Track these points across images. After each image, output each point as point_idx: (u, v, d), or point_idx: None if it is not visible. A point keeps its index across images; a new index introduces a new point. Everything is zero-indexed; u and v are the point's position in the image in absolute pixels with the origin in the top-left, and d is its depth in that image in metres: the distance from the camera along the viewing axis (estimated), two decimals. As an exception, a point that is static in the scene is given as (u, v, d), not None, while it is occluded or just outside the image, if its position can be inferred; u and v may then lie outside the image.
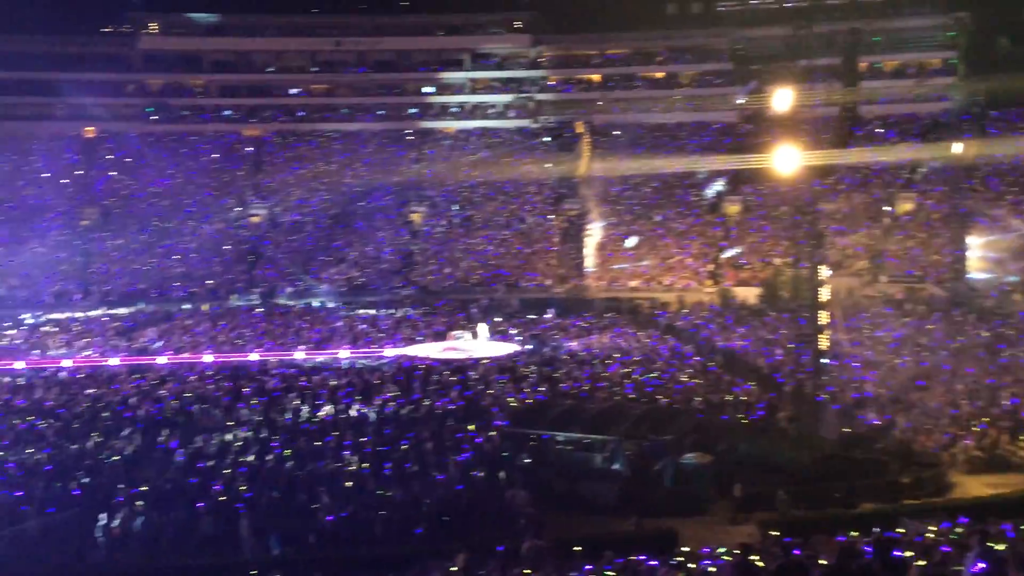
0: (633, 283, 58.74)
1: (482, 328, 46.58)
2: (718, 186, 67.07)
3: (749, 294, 54.37)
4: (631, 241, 62.12)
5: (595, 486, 24.79)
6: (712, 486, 24.32)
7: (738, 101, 74.87)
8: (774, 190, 63.93)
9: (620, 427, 26.35)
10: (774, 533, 19.00)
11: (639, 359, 38.74)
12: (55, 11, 77.58)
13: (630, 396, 32.45)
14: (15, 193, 69.94)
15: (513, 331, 47.69)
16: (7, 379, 38.11)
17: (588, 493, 24.66)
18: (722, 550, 16.17)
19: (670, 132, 74.59)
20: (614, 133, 75.29)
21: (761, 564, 13.11)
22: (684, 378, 35.08)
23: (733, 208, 65.27)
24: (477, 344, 44.41)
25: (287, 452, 26.27)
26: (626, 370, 36.35)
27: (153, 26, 80.00)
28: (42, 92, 75.68)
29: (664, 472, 24.70)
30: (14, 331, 50.74)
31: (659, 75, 79.28)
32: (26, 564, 20.68)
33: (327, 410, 31.34)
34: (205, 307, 56.69)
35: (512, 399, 32.26)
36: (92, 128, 76.96)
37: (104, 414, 31.42)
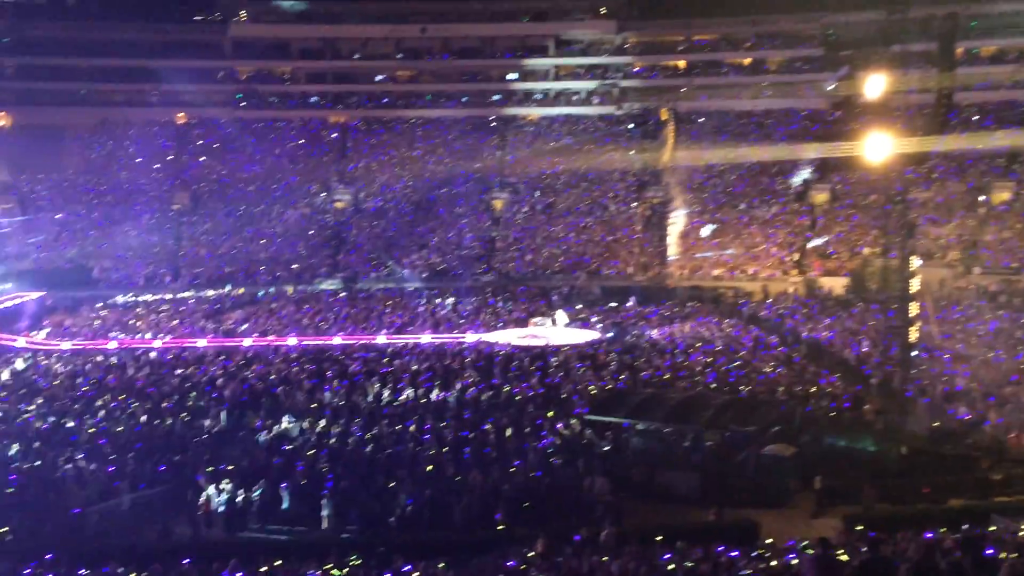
0: (716, 272, 58.04)
1: (560, 315, 46.50)
2: (805, 174, 65.85)
3: (836, 284, 53.36)
4: (707, 230, 61.37)
5: (675, 476, 24.60)
6: (795, 478, 23.93)
7: (828, 88, 73.25)
8: (864, 178, 62.50)
9: (701, 417, 26.02)
10: (858, 528, 18.64)
11: (721, 349, 38.29)
12: (153, 1, 79.44)
13: (712, 386, 32.08)
14: (110, 178, 71.96)
15: (594, 319, 47.52)
16: (100, 358, 39.24)
17: (668, 483, 24.50)
18: (804, 543, 15.90)
19: (757, 119, 73.40)
20: (699, 120, 74.35)
21: (845, 559, 12.86)
22: (768, 369, 34.60)
23: (821, 196, 64.00)
24: (556, 331, 44.34)
25: (368, 435, 26.56)
26: (708, 359, 35.95)
27: (243, 14, 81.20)
28: (136, 79, 77.60)
29: (746, 463, 24.36)
30: (107, 312, 52.19)
31: (746, 61, 77.98)
32: (117, 538, 21.27)
33: (408, 394, 31.58)
34: (290, 290, 57.60)
35: (592, 387, 32.14)
36: (184, 114, 78.72)
37: (192, 394, 32.14)
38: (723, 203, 64.93)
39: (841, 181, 64.47)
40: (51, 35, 76.23)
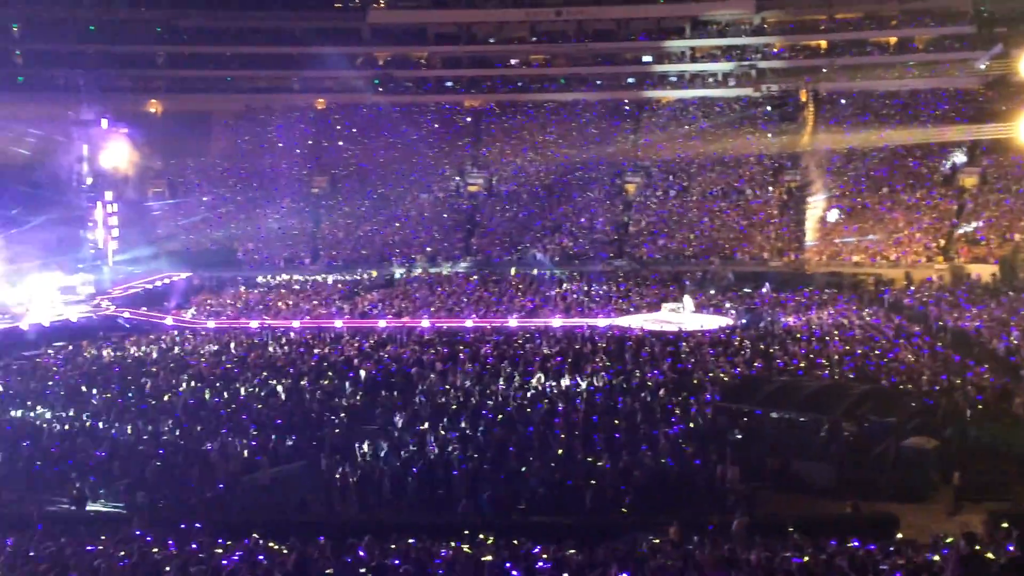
0: (856, 258, 56.32)
1: (687, 300, 45.98)
2: (956, 157, 63.29)
3: (984, 271, 51.13)
4: (833, 215, 59.57)
5: (810, 466, 24.00)
6: (937, 472, 23.08)
7: (980, 66, 70.01)
8: (1017, 161, 59.67)
9: (838, 406, 25.31)
10: (1004, 525, 17.87)
11: (860, 337, 37.18)
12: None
13: (850, 375, 31.18)
14: (254, 162, 74.37)
15: (727, 304, 46.79)
16: (243, 337, 40.70)
17: (803, 473, 23.93)
18: (947, 539, 15.34)
19: (902, 100, 70.79)
20: (841, 102, 72.17)
21: (991, 557, 12.34)
22: (910, 358, 33.42)
23: (970, 180, 61.39)
24: (686, 316, 43.83)
25: (498, 417, 26.78)
26: (846, 348, 34.95)
27: (381, 1, 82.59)
28: (279, 66, 79.95)
29: (885, 455, 23.61)
30: (249, 292, 54.03)
31: (892, 40, 75.22)
32: (258, 511, 21.99)
33: (538, 378, 31.69)
34: (422, 270, 58.47)
35: (724, 373, 31.66)
36: (323, 100, 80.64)
37: (329, 373, 32.99)
38: (865, 187, 62.96)
39: (992, 164, 61.69)
40: (199, 24, 79.24)
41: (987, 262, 52.38)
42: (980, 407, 27.42)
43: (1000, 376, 31.00)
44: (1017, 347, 33.80)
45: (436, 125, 78.11)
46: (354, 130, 77.92)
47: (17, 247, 50.84)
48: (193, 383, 32.23)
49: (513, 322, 43.37)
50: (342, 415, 28.05)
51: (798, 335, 37.81)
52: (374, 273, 58.34)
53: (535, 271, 57.64)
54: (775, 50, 77.50)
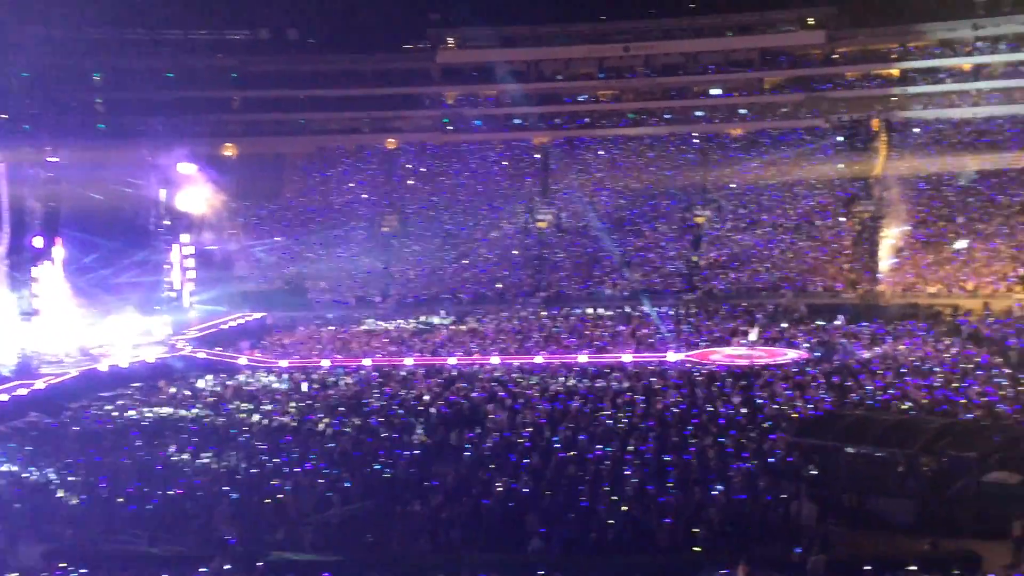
0: (932, 289, 55.20)
1: (753, 332, 45.50)
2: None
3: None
4: (961, 243, 58.19)
5: (888, 502, 23.51)
6: (1021, 507, 22.40)
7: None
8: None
9: (916, 441, 24.77)
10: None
11: (939, 369, 36.36)
12: (362, 32, 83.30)
13: (927, 408, 30.49)
14: (325, 202, 75.57)
15: (800, 337, 46.16)
16: (315, 375, 41.25)
17: (880, 509, 23.44)
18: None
19: (978, 127, 69.53)
20: (914, 130, 71.12)
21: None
22: (990, 391, 32.58)
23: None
24: (753, 349, 43.34)
25: (570, 454, 26.68)
26: (923, 380, 34.21)
27: (451, 40, 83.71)
28: (350, 108, 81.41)
29: (966, 491, 23.02)
30: (322, 331, 54.68)
31: (966, 66, 74.01)
32: (330, 550, 22.12)
33: (610, 413, 31.54)
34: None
35: (798, 408, 31.20)
36: (393, 140, 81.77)
37: (400, 410, 33.21)
38: (940, 216, 61.83)
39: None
40: (272, 69, 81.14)
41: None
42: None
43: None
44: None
45: (505, 162, 78.60)
46: (423, 169, 78.78)
47: (97, 291, 52.23)
48: (265, 421, 32.66)
49: (583, 358, 43.28)
50: (414, 452, 28.18)
51: (873, 368, 37.13)
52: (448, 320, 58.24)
53: (605, 307, 57.29)
54: (846, 79, 76.78)
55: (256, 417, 33.30)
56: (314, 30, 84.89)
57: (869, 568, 17.55)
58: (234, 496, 24.35)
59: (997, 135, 68.35)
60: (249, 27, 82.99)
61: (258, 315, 58.04)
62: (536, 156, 78.99)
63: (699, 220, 68.16)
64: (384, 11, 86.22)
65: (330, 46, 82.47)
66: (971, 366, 37.02)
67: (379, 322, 56.72)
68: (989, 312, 49.88)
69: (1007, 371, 36.06)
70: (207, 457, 28.10)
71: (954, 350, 40.99)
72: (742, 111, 79.09)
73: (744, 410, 31.12)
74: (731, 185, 70.51)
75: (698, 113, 79.71)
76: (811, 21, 78.47)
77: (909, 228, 60.22)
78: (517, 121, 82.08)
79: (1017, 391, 32.54)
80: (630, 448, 27.05)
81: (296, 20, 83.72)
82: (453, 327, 53.86)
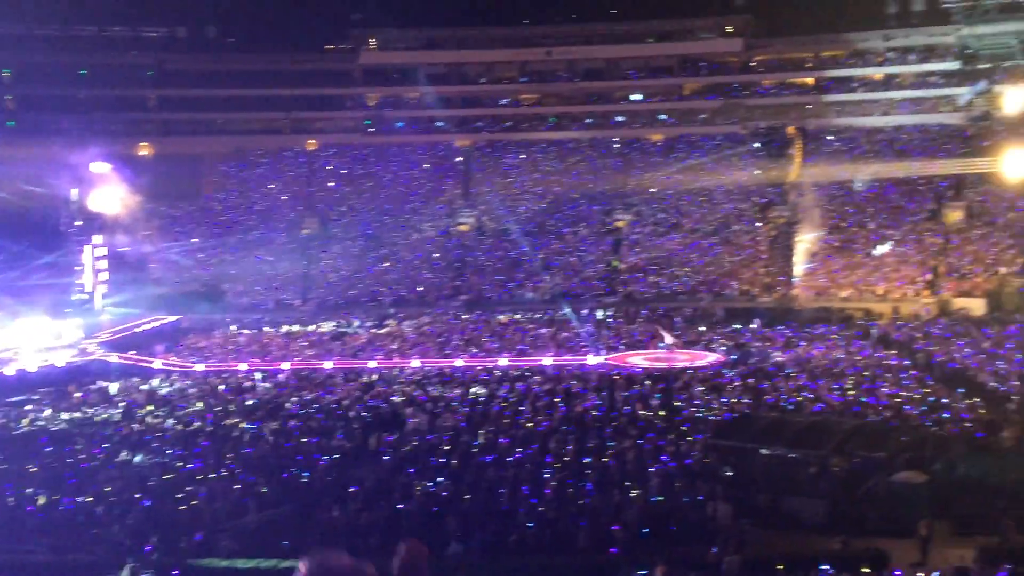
0: (844, 293, 56.53)
1: (667, 336, 46.13)
2: (940, 191, 63.79)
3: (971, 305, 51.38)
4: (883, 248, 59.55)
5: (801, 502, 23.99)
6: (927, 507, 23.05)
7: (964, 102, 70.72)
8: (1002, 196, 60.09)
9: (828, 442, 25.33)
10: (994, 560, 17.89)
11: (849, 372, 37.25)
12: (284, 31, 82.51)
13: (839, 410, 31.21)
14: (243, 204, 74.55)
15: (717, 341, 46.87)
16: (232, 380, 40.65)
17: (793, 509, 23.90)
18: (936, 574, 15.35)
19: (889, 136, 71.47)
20: (828, 138, 72.81)
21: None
22: (899, 392, 33.47)
23: (955, 215, 61.75)
24: (670, 352, 43.89)
25: (488, 457, 26.72)
26: (835, 383, 35.01)
27: (373, 42, 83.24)
28: (269, 108, 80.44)
29: (875, 490, 23.61)
30: (239, 334, 53.94)
31: (878, 76, 76.01)
32: (246, 556, 21.79)
33: (529, 416, 31.66)
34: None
35: (715, 410, 31.68)
36: (314, 141, 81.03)
37: (318, 415, 32.92)
38: (852, 222, 63.35)
39: (978, 199, 62.13)
40: (190, 67, 79.77)
41: (974, 296, 52.63)
42: (969, 441, 27.47)
43: (988, 409, 31.08)
44: (1005, 380, 33.88)
45: (427, 165, 78.41)
46: (344, 171, 78.24)
47: (3, 294, 50.74)
48: (180, 426, 32.09)
49: (504, 361, 43.38)
50: (333, 457, 27.93)
51: (787, 371, 37.88)
52: (365, 313, 58.18)
53: (524, 310, 57.60)
54: (763, 87, 78.28)
55: (170, 422, 32.71)
56: (234, 28, 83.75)
57: (782, 567, 17.88)
58: (147, 503, 23.88)
59: (907, 143, 70.29)
60: (166, 24, 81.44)
61: (173, 318, 56.99)
62: (458, 159, 78.97)
63: (619, 224, 68.74)
64: (306, 11, 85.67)
65: (250, 45, 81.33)
66: (880, 368, 38.01)
67: (298, 325, 56.14)
68: (898, 316, 51.30)
69: (915, 373, 37.09)
70: (119, 463, 27.51)
71: (865, 353, 42.02)
72: (662, 117, 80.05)
73: (662, 413, 31.48)
74: (651, 190, 71.25)
75: (619, 118, 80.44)
76: (729, 29, 79.88)
77: (822, 233, 61.51)
78: (439, 124, 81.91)
79: (924, 393, 33.46)
80: (550, 450, 27.18)
81: (215, 18, 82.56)
82: (374, 330, 53.54)
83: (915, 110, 73.28)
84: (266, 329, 55.31)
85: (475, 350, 46.69)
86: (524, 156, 77.71)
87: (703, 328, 50.63)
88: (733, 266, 61.46)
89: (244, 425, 31.76)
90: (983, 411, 30.82)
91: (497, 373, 40.29)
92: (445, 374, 40.41)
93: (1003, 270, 53.42)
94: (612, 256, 65.21)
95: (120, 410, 35.37)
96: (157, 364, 45.43)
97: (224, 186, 77.46)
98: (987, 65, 69.38)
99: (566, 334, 49.94)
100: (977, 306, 51.15)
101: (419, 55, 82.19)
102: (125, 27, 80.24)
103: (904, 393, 33.32)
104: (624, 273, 62.86)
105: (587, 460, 26.34)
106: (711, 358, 42.85)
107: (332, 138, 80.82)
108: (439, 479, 24.91)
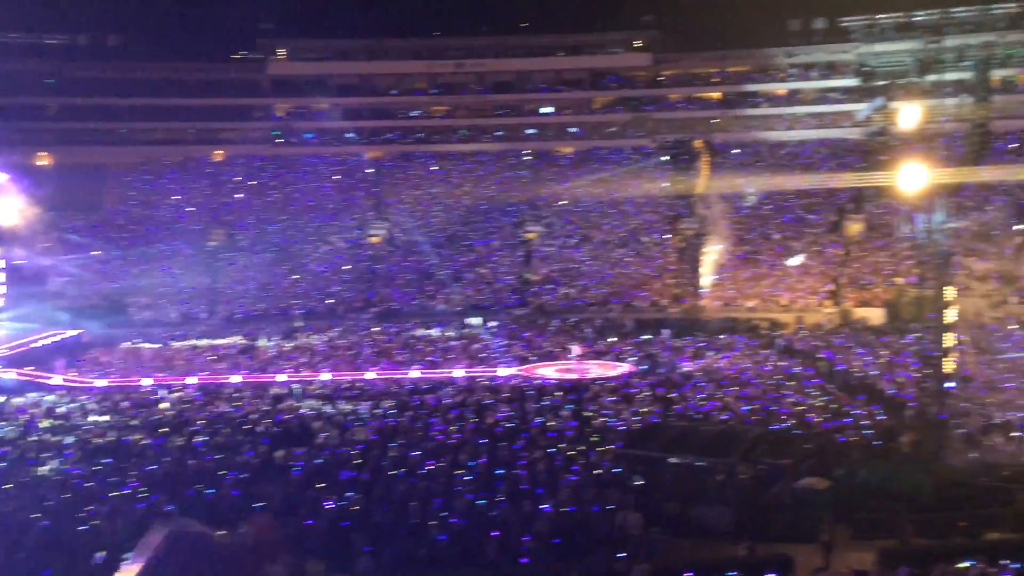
0: (750, 303, 57.68)
1: (574, 347, 46.52)
2: (840, 204, 65.58)
3: (871, 315, 52.94)
4: (796, 259, 60.71)
5: (708, 510, 24.30)
6: (829, 512, 23.60)
7: (862, 117, 72.94)
8: (899, 208, 61.93)
9: (735, 450, 25.76)
10: (894, 562, 18.39)
11: (756, 381, 37.99)
12: (190, 40, 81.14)
13: (746, 419, 31.80)
14: (148, 215, 72.97)
15: (627, 351, 47.39)
16: (136, 395, 39.69)
17: (701, 517, 24.22)
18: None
19: (792, 150, 73.32)
20: (733, 151, 74.36)
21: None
22: (802, 400, 34.25)
23: (856, 227, 63.51)
24: (581, 364, 44.27)
25: (400, 470, 26.55)
26: (742, 392, 35.68)
27: (282, 52, 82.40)
28: (175, 118, 78.96)
29: (780, 497, 24.09)
30: (142, 348, 52.73)
31: (781, 92, 77.96)
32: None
33: (440, 429, 31.56)
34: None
35: (625, 420, 31.98)
36: (221, 152, 79.81)
37: (224, 430, 32.31)
38: (757, 234, 64.72)
39: (876, 211, 64.01)
40: (92, 76, 77.90)
41: (874, 305, 54.19)
42: (869, 447, 28.25)
43: (888, 416, 32.00)
44: (903, 387, 34.91)
45: (337, 176, 77.83)
46: (253, 182, 77.17)
47: None
48: (80, 444, 31.17)
49: (415, 374, 43.24)
50: (240, 473, 27.42)
51: (696, 381, 38.48)
52: (273, 326, 57.45)
53: (437, 322, 57.44)
54: (671, 101, 79.63)
55: (70, 439, 31.75)
56: (139, 36, 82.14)
57: (690, 574, 18.09)
58: (45, 523, 23.12)
59: (809, 157, 72.19)
60: (68, 31, 79.36)
61: (74, 333, 55.42)
62: (369, 170, 78.54)
63: (530, 236, 69.09)
64: (213, 20, 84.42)
65: (155, 53, 79.79)
66: (785, 377, 38.85)
67: (205, 339, 55.12)
68: (802, 326, 52.54)
69: (817, 381, 38.00)
70: (15, 482, 26.61)
71: (770, 362, 42.91)
72: (572, 129, 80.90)
73: (573, 423, 31.66)
74: (562, 202, 71.85)
75: (530, 131, 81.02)
76: (638, 44, 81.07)
77: (729, 245, 62.65)
78: (350, 135, 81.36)
79: (826, 401, 34.31)
80: (461, 462, 27.12)
81: (119, 26, 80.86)
82: (283, 343, 52.86)
83: (817, 125, 75.50)
84: (172, 343, 54.06)
85: (386, 363, 46.40)
86: (435, 168, 77.76)
87: (613, 339, 51.14)
88: (643, 277, 62.22)
89: (147, 441, 30.96)
90: (882, 418, 31.71)
91: (408, 386, 40.13)
92: (356, 387, 40.07)
93: (900, 281, 55.08)
94: (523, 268, 65.46)
95: (17, 427, 34.24)
96: (57, 380, 44.13)
97: (128, 197, 75.70)
98: (884, 82, 71.60)
99: (477, 346, 49.99)
100: (876, 316, 52.72)
101: (329, 66, 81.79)
102: (24, 34, 77.93)
103: (808, 401, 34.11)
104: (535, 284, 63.16)
105: (498, 472, 26.34)
106: (621, 368, 43.29)
107: (240, 149, 79.75)
108: (349, 493, 24.65)
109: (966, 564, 17.57)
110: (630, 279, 62.23)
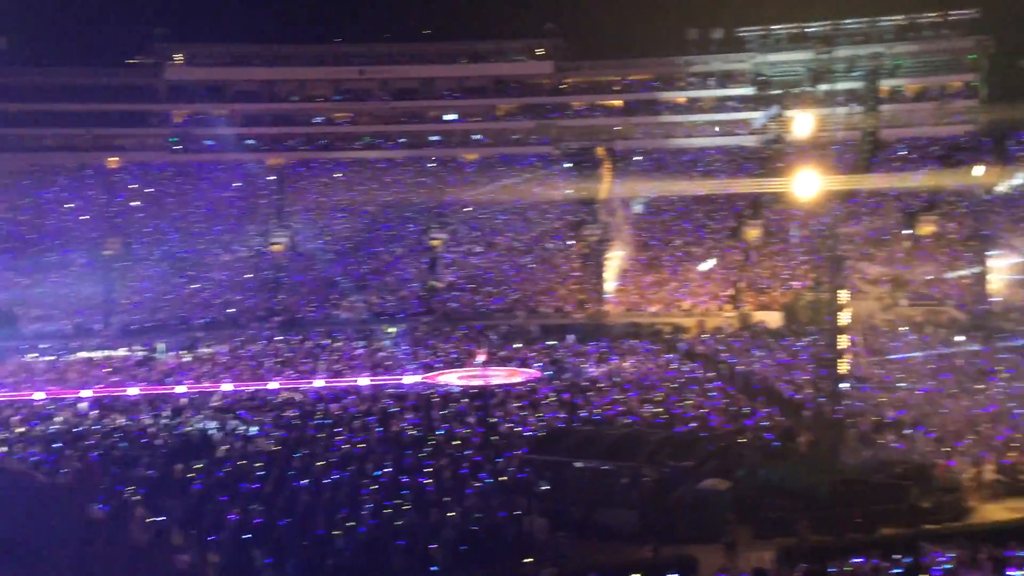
0: (653, 308, 58.52)
1: (480, 354, 46.67)
2: (738, 210, 67.05)
3: (770, 318, 54.19)
4: (706, 264, 61.58)
5: (614, 513, 24.60)
6: (731, 512, 24.08)
7: (759, 125, 74.77)
8: (794, 214, 63.64)
9: (639, 453, 26.12)
10: (793, 559, 18.86)
11: (659, 385, 38.56)
12: (83, 44, 79.08)
13: (649, 422, 32.26)
14: (39, 224, 70.72)
15: (533, 357, 47.64)
16: (26, 408, 38.46)
17: (607, 520, 24.49)
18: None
19: (692, 157, 74.75)
20: (635, 158, 75.45)
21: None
22: (704, 403, 34.89)
23: (754, 232, 64.97)
24: (486, 370, 44.38)
25: (304, 480, 26.26)
26: (645, 396, 36.18)
27: (179, 57, 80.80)
28: (68, 123, 76.81)
29: (683, 499, 24.49)
30: (36, 361, 51.08)
31: (680, 100, 79.35)
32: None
33: (345, 438, 31.32)
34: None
35: (531, 426, 32.15)
36: (116, 159, 77.86)
37: (122, 444, 31.52)
38: (659, 240, 65.73)
39: (773, 217, 65.58)
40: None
41: (772, 309, 55.48)
42: (768, 447, 28.92)
43: (785, 417, 32.81)
44: (800, 388, 35.82)
45: (238, 184, 76.56)
46: (150, 189, 75.41)
47: None
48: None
49: (320, 382, 42.81)
50: (138, 487, 26.76)
51: (600, 385, 38.87)
52: (173, 337, 56.16)
53: (340, 329, 56.95)
54: (574, 109, 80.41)
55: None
56: (30, 40, 79.62)
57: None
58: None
59: (709, 164, 73.67)
60: (-49, 35, 76.61)
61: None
62: (271, 178, 77.46)
63: (435, 243, 68.95)
64: (108, 24, 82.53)
65: (47, 58, 77.52)
66: (687, 381, 39.53)
67: (100, 351, 53.60)
68: (703, 329, 53.52)
69: (718, 384, 38.75)
70: None
71: (673, 366, 43.61)
72: (476, 136, 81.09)
73: (479, 430, 31.73)
74: (466, 208, 71.92)
75: (434, 137, 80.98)
76: (540, 52, 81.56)
77: (632, 251, 63.45)
78: (250, 142, 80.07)
79: (727, 403, 35.02)
80: (366, 471, 26.94)
81: (8, 28, 78.12)
82: (182, 354, 51.76)
83: (715, 132, 77.09)
84: (65, 356, 52.40)
85: (289, 372, 45.83)
86: (339, 175, 77.11)
87: (519, 345, 51.37)
88: (547, 283, 62.64)
89: (40, 456, 30.04)
90: (780, 419, 32.50)
91: (312, 395, 39.72)
92: (258, 397, 39.48)
93: (796, 285, 56.51)
94: (428, 274, 65.28)
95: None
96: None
97: (18, 205, 73.21)
98: (779, 91, 73.48)
99: (382, 354, 49.72)
100: (774, 319, 53.96)
101: (228, 71, 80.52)
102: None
103: (709, 404, 34.76)
104: (440, 291, 63.07)
105: (404, 480, 26.24)
106: (527, 374, 43.51)
107: (136, 156, 77.93)
108: (251, 506, 24.28)
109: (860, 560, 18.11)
110: (535, 285, 62.59)
